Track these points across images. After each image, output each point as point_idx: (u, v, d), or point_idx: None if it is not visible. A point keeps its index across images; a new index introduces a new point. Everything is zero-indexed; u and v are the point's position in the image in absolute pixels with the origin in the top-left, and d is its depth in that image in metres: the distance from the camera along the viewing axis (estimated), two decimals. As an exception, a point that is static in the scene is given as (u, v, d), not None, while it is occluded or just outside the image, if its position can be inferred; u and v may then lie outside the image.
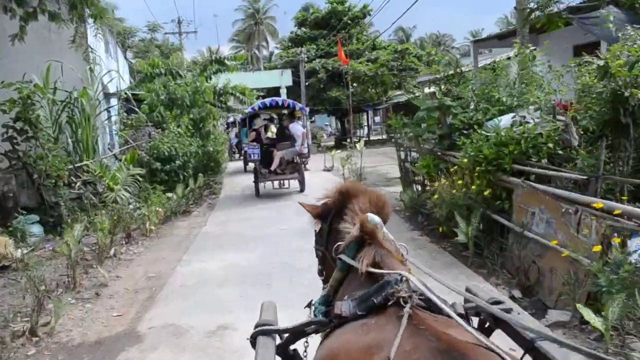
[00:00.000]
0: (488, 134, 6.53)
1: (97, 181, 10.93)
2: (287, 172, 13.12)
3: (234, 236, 8.91)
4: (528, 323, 1.55)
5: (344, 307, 1.58)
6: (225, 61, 16.77)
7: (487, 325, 1.73)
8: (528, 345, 1.52)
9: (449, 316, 1.39)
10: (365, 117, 46.60)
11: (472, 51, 20.50)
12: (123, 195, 10.51)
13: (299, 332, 1.80)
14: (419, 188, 9.19)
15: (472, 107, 7.78)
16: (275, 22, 66.33)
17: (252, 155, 13.00)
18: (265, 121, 16.42)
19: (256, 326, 1.80)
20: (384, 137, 36.81)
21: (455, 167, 6.61)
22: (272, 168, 12.98)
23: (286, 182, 13.54)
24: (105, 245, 7.59)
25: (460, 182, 6.36)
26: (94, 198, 10.52)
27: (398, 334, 1.25)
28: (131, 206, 10.56)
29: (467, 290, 1.89)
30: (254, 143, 13.69)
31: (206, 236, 9.14)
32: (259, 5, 64.02)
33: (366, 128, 45.89)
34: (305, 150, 13.47)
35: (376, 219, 1.83)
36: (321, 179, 14.44)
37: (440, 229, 7.13)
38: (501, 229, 6.29)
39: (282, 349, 1.80)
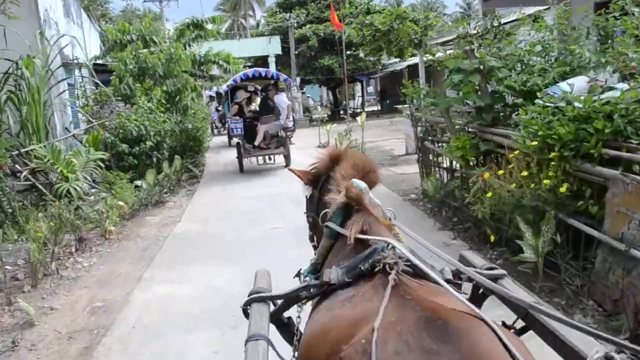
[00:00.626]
0: (557, 105, 4.69)
1: (49, 169, 9.03)
2: (272, 146, 12.55)
3: (214, 240, 7.07)
4: (518, 291, 1.57)
5: (332, 274, 1.58)
6: (204, 24, 14.66)
7: (480, 291, 1.66)
8: (522, 312, 1.51)
9: (436, 282, 1.41)
10: (358, 87, 44.57)
11: (481, 11, 18.53)
12: (79, 186, 8.62)
13: (293, 298, 1.71)
14: (445, 174, 7.35)
15: (518, 68, 5.92)
16: (264, -5, 63.72)
17: (234, 130, 12.44)
18: (248, 93, 15.38)
19: (250, 294, 1.74)
20: (378, 108, 34.90)
21: (516, 152, 4.75)
22: (256, 143, 12.35)
23: (271, 157, 13.03)
24: (40, 261, 5.73)
25: (524, 173, 4.52)
26: (44, 190, 8.67)
27: (381, 306, 1.26)
28: (91, 198, 8.70)
29: (461, 256, 1.86)
30: (237, 117, 12.91)
31: (178, 239, 7.29)
32: (246, -29, 61.14)
33: (359, 99, 43.90)
34: (291, 124, 12.85)
35: (361, 184, 1.82)
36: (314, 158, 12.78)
37: (492, 237, 5.31)
38: (575, 237, 4.50)
39: (275, 316, 1.74)
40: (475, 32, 6.76)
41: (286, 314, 1.78)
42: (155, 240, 7.37)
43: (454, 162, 6.92)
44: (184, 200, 10.19)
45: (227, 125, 15.12)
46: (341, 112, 32.68)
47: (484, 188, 5.41)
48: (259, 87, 15.39)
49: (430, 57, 7.14)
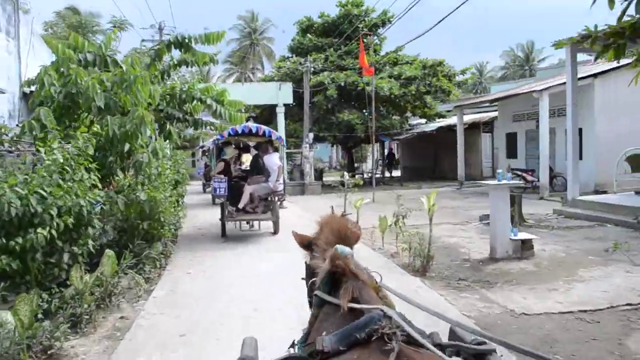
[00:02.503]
0: None
1: None
2: (259, 210, 11.50)
3: None
4: None
5: (325, 342, 1.54)
6: (190, 43, 9.85)
7: None
8: None
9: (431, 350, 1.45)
10: (370, 148, 40.03)
11: (568, 57, 13.97)
12: None
13: None
14: None
15: None
16: (273, 43, 61.14)
17: (218, 189, 10.98)
18: (236, 150, 14.01)
19: None
20: (393, 174, 30.03)
21: None
22: (241, 205, 11.24)
23: (255, 223, 11.87)
24: None
25: None
26: None
27: None
28: None
29: (451, 330, 1.79)
30: (221, 176, 11.50)
31: None
32: (256, 25, 58.49)
33: (369, 162, 39.20)
34: (280, 187, 11.74)
35: (345, 249, 1.83)
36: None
37: None
38: None
39: None
40: None
41: None
42: None
43: None
44: (96, 354, 4.97)
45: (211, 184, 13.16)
46: (356, 176, 27.83)
47: None
48: (251, 144, 13.92)
49: None
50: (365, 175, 27.81)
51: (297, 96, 23.60)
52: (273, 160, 11.45)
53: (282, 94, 22.85)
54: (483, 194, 19.85)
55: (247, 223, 11.62)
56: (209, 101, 10.16)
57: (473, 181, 23.96)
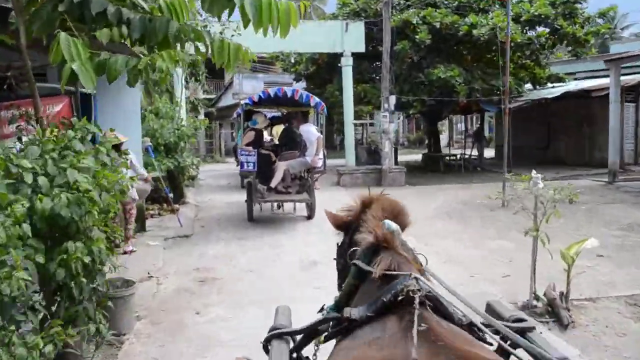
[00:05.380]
0: None
1: None
2: (293, 190, 9.77)
3: None
4: (548, 346, 1.50)
5: (353, 311, 1.52)
6: None
7: (508, 342, 1.52)
8: None
9: (460, 324, 1.42)
10: (449, 122, 32.50)
11: None
12: None
13: (312, 332, 1.73)
14: None
15: None
16: (325, 4, 54.28)
17: (245, 164, 9.49)
18: (267, 121, 11.57)
19: (270, 330, 1.74)
20: (483, 155, 22.53)
21: None
22: (273, 185, 9.47)
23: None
24: None
25: None
26: None
27: (412, 348, 1.18)
28: None
29: (488, 305, 1.81)
30: (250, 148, 9.66)
31: None
32: (307, -18, 51.37)
33: (445, 137, 31.89)
34: (320, 163, 9.92)
35: (393, 225, 1.77)
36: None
37: None
38: None
39: (295, 353, 1.73)
40: None
41: (304, 353, 1.75)
42: None
43: None
44: None
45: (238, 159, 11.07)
46: (447, 159, 20.70)
47: None
48: (280, 112, 12.66)
49: None
50: (455, 158, 20.55)
51: (372, 41, 16.48)
52: (311, 131, 10.12)
53: (349, 39, 15.68)
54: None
55: (278, 206, 10.34)
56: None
57: (623, 170, 16.46)
